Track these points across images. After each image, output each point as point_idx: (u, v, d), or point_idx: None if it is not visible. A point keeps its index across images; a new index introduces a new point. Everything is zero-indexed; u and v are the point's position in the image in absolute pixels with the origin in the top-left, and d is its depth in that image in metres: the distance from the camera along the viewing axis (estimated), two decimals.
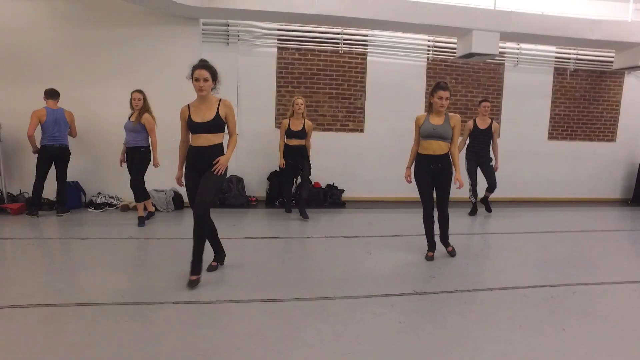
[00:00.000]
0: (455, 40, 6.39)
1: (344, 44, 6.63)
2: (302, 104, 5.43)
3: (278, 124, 6.62)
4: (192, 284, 3.06)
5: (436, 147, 3.73)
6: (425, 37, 6.72)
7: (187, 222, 5.45)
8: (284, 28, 6.41)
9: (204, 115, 3.16)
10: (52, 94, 5.19)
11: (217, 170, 3.12)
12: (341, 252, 4.18)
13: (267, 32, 6.39)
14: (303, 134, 5.52)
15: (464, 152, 5.72)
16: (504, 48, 6.86)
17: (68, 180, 5.51)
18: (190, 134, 3.24)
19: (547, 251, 4.49)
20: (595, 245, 4.86)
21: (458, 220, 5.42)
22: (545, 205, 7.19)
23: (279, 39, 6.48)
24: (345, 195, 6.74)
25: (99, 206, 5.72)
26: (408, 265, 3.81)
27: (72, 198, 5.65)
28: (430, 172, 3.78)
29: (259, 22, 6.26)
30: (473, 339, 2.48)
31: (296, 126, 5.48)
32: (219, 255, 3.55)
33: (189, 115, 3.21)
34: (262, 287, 3.22)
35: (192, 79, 3.14)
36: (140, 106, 4.90)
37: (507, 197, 7.14)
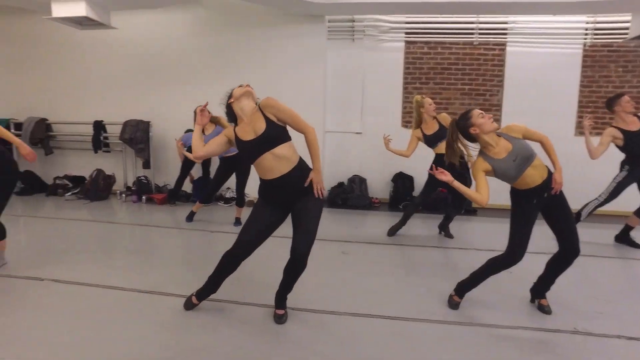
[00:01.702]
0: (625, 19, 5.30)
1: (480, 34, 5.99)
2: (432, 102, 4.39)
3: (405, 123, 6.26)
4: (282, 318, 2.55)
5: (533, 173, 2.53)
6: (583, 18, 5.72)
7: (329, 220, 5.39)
8: (412, 20, 6.04)
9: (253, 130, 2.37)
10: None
11: (317, 191, 2.41)
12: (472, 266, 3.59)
13: (394, 25, 6.09)
14: (444, 131, 4.65)
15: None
16: None
17: (205, 176, 5.92)
18: (255, 164, 2.41)
19: None
20: None
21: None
22: None
23: (406, 33, 6.12)
24: None
25: (227, 200, 6.00)
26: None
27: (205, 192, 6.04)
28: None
29: (385, 15, 6.00)
30: None
31: (431, 128, 4.38)
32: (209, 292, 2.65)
33: (236, 136, 2.44)
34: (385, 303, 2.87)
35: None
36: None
37: None
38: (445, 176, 2.46)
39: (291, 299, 2.68)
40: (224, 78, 6.06)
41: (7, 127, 6.29)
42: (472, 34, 6.00)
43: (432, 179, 4.24)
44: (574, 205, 3.02)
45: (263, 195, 2.51)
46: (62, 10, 4.97)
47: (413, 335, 2.46)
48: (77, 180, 6.37)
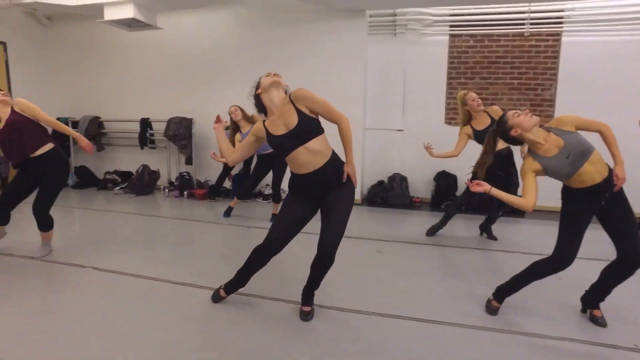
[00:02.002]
0: None
1: (531, 24, 5.61)
2: (476, 97, 4.09)
3: (449, 120, 6.01)
4: (308, 316, 2.48)
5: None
6: None
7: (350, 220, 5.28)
8: (457, 12, 5.77)
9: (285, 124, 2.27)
10: None
11: (351, 181, 2.35)
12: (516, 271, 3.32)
13: (438, 18, 5.85)
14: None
15: None
16: None
17: (245, 172, 5.99)
18: (287, 159, 2.32)
19: None
20: None
21: None
22: None
23: (451, 25, 5.86)
24: None
25: (265, 197, 6.03)
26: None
27: (243, 188, 6.13)
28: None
29: (428, 8, 5.78)
30: None
31: (482, 123, 4.06)
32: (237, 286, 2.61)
33: (267, 132, 2.34)
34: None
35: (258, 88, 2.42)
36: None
37: None
38: (481, 187, 2.25)
39: (320, 297, 2.61)
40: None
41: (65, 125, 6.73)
42: (522, 24, 5.63)
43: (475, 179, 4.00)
44: (637, 209, 2.70)
45: (294, 190, 2.40)
46: (113, 13, 5.23)
47: (445, 339, 2.30)
48: (125, 175, 6.68)
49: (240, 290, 2.63)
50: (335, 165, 2.31)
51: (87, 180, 6.77)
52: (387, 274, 3.27)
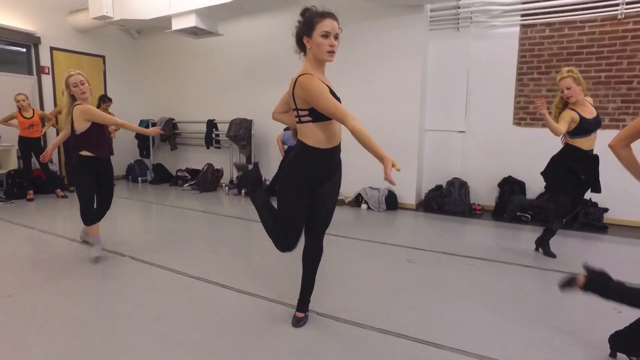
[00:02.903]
0: None
1: (627, 4, 4.75)
2: (571, 86, 3.32)
3: (518, 120, 5.39)
4: (300, 322, 2.37)
5: None
6: None
7: (409, 225, 5.04)
8: (531, 0, 5.13)
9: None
10: None
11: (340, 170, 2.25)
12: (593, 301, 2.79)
13: (508, 8, 5.26)
14: (599, 120, 3.45)
15: None
16: None
17: None
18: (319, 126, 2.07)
19: None
20: None
21: None
22: None
23: (522, 15, 5.24)
24: (610, 217, 4.85)
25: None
26: None
27: None
28: None
29: None
30: None
31: (590, 112, 3.40)
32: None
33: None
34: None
35: (312, 34, 2.07)
36: None
37: None
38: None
39: (317, 303, 2.50)
40: (329, 74, 6.08)
41: (147, 127, 7.47)
42: (616, 5, 4.80)
43: (568, 179, 3.50)
44: None
45: (307, 170, 2.10)
46: (179, 23, 5.67)
47: None
48: (194, 173, 7.20)
49: (244, 288, 2.63)
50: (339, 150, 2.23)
51: (162, 176, 7.44)
52: (412, 287, 3.01)
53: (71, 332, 2.28)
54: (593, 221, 4.79)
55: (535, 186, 5.26)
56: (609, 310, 2.51)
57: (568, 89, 3.32)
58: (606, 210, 4.90)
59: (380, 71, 5.70)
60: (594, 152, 3.53)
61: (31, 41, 6.59)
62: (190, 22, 5.51)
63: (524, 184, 5.33)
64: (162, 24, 6.14)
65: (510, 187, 5.29)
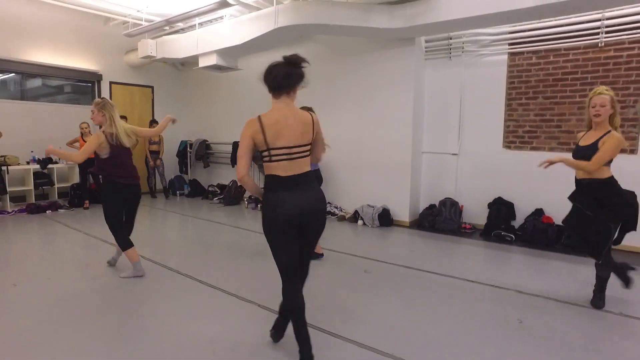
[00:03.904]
0: None
1: (607, 32, 4.87)
2: (605, 102, 2.99)
3: (508, 143, 5.63)
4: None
5: None
6: None
7: (391, 240, 5.48)
8: (518, 29, 5.38)
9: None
10: None
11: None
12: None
13: (496, 37, 5.55)
14: (595, 147, 3.03)
15: None
16: None
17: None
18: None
19: None
20: None
21: None
22: None
23: (510, 44, 5.50)
24: None
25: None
26: None
27: None
28: None
29: (485, 28, 5.54)
30: None
31: (588, 138, 3.10)
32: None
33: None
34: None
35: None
36: None
37: None
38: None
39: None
40: (330, 103, 6.74)
41: (185, 147, 8.60)
42: (596, 34, 4.94)
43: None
44: None
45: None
46: (204, 61, 6.66)
47: None
48: (223, 188, 8.14)
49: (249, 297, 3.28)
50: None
51: (197, 190, 8.48)
52: (363, 294, 3.50)
53: (102, 320, 3.12)
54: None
55: (523, 207, 5.45)
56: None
57: (602, 106, 2.99)
58: None
59: (376, 99, 6.22)
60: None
61: (95, 78, 7.98)
62: (212, 60, 6.46)
63: (512, 204, 5.52)
64: (193, 60, 7.19)
65: (497, 208, 5.51)
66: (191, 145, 8.55)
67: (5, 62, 6.86)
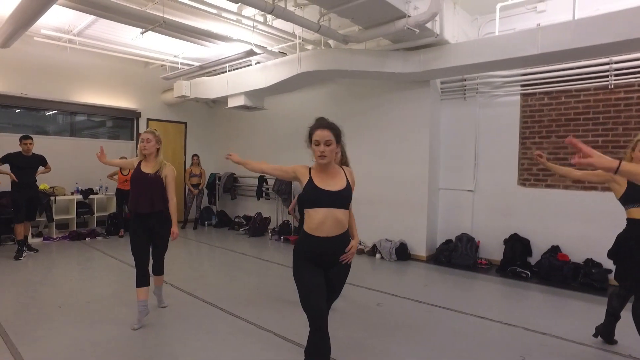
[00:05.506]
0: None
1: (616, 75, 5.03)
2: None
3: (522, 181, 5.75)
4: None
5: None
6: None
7: (407, 274, 5.63)
8: (529, 71, 5.62)
9: (333, 184, 2.41)
10: None
11: (346, 260, 2.51)
12: None
13: (509, 79, 5.80)
14: None
15: None
16: None
17: None
18: (309, 213, 2.37)
19: None
20: None
21: None
22: None
23: (522, 85, 5.73)
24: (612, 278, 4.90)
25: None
26: None
27: None
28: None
29: (497, 71, 5.80)
30: None
31: None
32: None
33: (310, 179, 2.42)
34: None
35: (312, 142, 2.44)
36: None
37: None
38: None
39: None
40: (350, 141, 7.03)
41: (214, 180, 9.09)
42: (605, 77, 5.11)
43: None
44: None
45: (308, 253, 2.41)
46: (233, 102, 7.19)
47: None
48: (249, 219, 8.51)
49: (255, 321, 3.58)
50: (346, 237, 2.50)
51: (224, 221, 8.90)
52: (380, 332, 3.69)
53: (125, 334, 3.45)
54: (593, 281, 4.90)
55: (539, 244, 5.50)
56: None
57: None
58: (609, 272, 4.96)
59: (394, 137, 6.52)
60: None
61: (134, 115, 8.69)
62: (240, 101, 6.98)
63: (528, 241, 5.59)
64: (224, 99, 7.77)
65: (512, 244, 5.59)
66: (220, 178, 9.04)
67: (57, 104, 7.64)
